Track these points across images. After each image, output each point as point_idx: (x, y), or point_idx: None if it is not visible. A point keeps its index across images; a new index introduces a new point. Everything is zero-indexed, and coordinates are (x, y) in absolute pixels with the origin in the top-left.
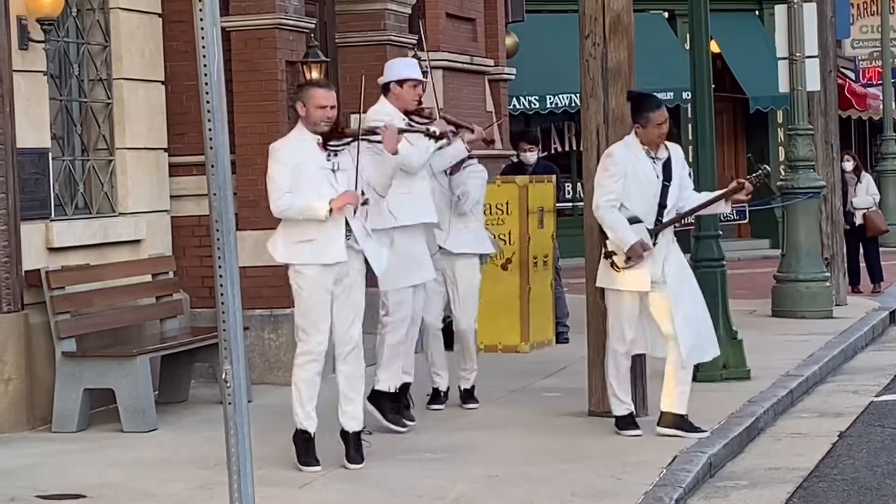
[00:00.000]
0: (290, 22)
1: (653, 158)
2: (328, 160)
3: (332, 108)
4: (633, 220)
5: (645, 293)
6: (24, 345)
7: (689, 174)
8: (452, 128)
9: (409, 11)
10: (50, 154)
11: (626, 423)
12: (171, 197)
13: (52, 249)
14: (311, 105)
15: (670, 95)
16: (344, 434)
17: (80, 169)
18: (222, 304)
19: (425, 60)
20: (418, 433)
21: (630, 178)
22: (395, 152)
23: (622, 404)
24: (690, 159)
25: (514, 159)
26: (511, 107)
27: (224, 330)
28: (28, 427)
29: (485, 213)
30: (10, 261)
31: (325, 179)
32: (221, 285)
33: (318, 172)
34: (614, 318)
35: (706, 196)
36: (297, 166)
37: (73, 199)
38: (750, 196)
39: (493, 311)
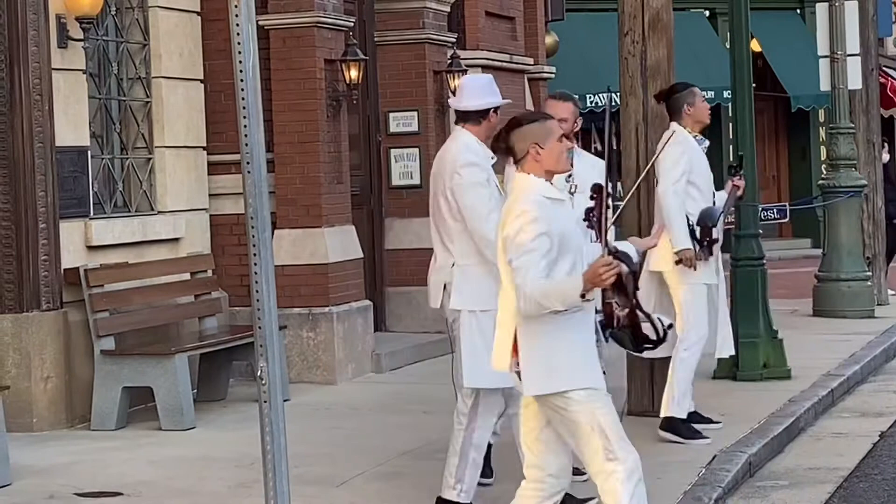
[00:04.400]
0: (329, 20)
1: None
2: None
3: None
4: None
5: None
6: (63, 343)
7: None
8: None
9: (448, 10)
10: (89, 152)
11: (691, 430)
12: (210, 195)
13: (90, 247)
14: None
15: (711, 94)
16: None
17: (118, 167)
18: (258, 301)
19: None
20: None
21: (695, 171)
22: None
23: (683, 408)
24: (731, 158)
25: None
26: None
27: (259, 328)
28: (67, 425)
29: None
30: (49, 259)
31: None
32: (257, 283)
33: None
34: (696, 314)
35: (720, 199)
36: None
37: (111, 197)
38: (742, 194)
39: None
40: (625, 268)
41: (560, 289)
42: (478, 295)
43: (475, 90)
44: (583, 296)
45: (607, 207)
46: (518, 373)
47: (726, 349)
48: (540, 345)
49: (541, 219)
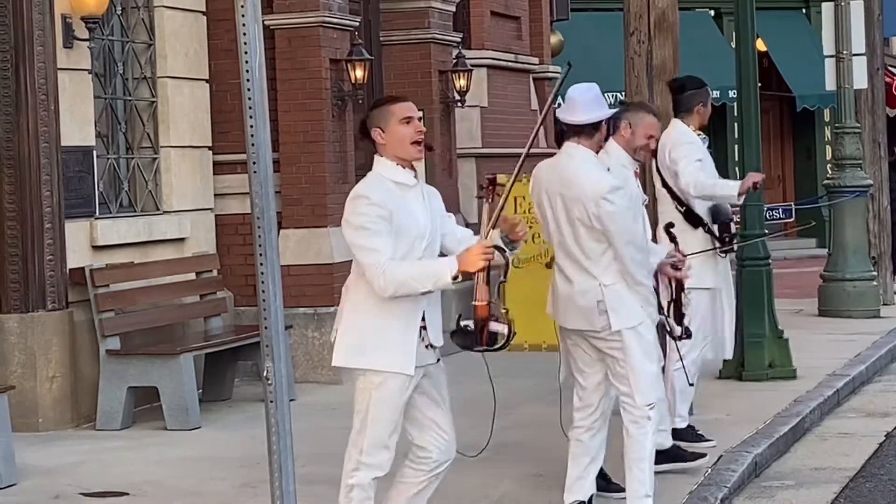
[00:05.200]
0: (335, 20)
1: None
2: None
3: None
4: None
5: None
6: (68, 342)
7: None
8: None
9: (454, 9)
10: (94, 152)
11: (692, 436)
12: (216, 195)
13: (96, 247)
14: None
15: (716, 94)
16: None
17: (124, 167)
18: (264, 301)
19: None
20: (462, 432)
21: (707, 167)
22: None
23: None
24: (736, 158)
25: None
26: (556, 105)
27: (266, 328)
28: (72, 424)
29: (527, 211)
30: (54, 259)
31: None
32: (263, 283)
33: None
34: (695, 319)
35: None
36: None
37: (117, 197)
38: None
39: (538, 311)
40: (500, 259)
41: (430, 269)
42: (631, 311)
43: (588, 103)
44: (455, 278)
45: (500, 197)
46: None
47: (726, 352)
48: (357, 319)
49: (376, 203)
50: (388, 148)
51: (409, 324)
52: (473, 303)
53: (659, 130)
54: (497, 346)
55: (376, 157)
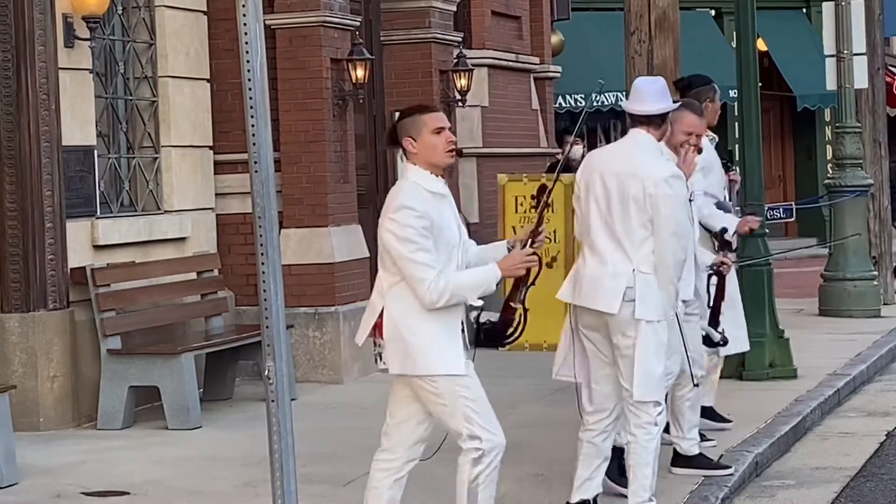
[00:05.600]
0: (336, 20)
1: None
2: None
3: None
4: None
5: None
6: (69, 342)
7: None
8: None
9: (454, 9)
10: (95, 152)
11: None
12: (216, 195)
13: (97, 247)
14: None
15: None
16: None
17: (125, 167)
18: (265, 301)
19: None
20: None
21: (716, 172)
22: None
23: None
24: (737, 157)
25: (559, 157)
26: (557, 105)
27: (267, 327)
28: (73, 424)
29: (528, 211)
30: (55, 258)
31: None
32: (264, 282)
33: None
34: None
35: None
36: None
37: (118, 196)
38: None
39: (539, 309)
40: (536, 266)
41: (478, 280)
42: (657, 305)
43: (655, 94)
44: (497, 284)
45: (547, 206)
46: (378, 353)
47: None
48: (409, 325)
49: (422, 215)
50: (420, 156)
51: (455, 327)
52: (510, 303)
53: (700, 128)
54: (509, 339)
55: (407, 165)
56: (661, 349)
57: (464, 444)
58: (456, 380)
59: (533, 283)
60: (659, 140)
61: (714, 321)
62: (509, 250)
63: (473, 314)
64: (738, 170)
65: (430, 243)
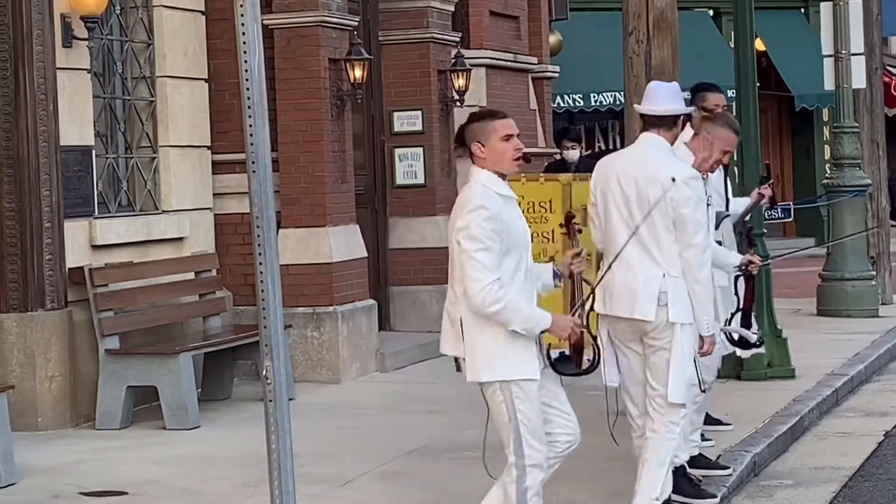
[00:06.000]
0: (334, 19)
1: None
2: None
3: None
4: None
5: None
6: (67, 342)
7: None
8: None
9: (453, 9)
10: (93, 152)
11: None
12: (214, 195)
13: (95, 247)
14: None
15: None
16: None
17: (123, 166)
18: (263, 300)
19: None
20: (461, 432)
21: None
22: None
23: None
24: (735, 157)
25: (557, 157)
26: (555, 105)
27: (265, 327)
28: (71, 424)
29: (528, 210)
30: (53, 258)
31: None
32: (262, 282)
33: None
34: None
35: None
36: None
37: (116, 196)
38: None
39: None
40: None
41: (533, 315)
42: (688, 308)
43: (668, 95)
44: (542, 332)
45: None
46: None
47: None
48: (492, 333)
49: (493, 216)
50: (488, 161)
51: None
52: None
53: (734, 145)
54: (585, 370)
55: (475, 169)
56: (692, 352)
57: (508, 457)
58: (514, 388)
59: (592, 309)
60: (671, 143)
61: (747, 322)
62: (555, 274)
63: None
64: (771, 185)
65: (496, 247)
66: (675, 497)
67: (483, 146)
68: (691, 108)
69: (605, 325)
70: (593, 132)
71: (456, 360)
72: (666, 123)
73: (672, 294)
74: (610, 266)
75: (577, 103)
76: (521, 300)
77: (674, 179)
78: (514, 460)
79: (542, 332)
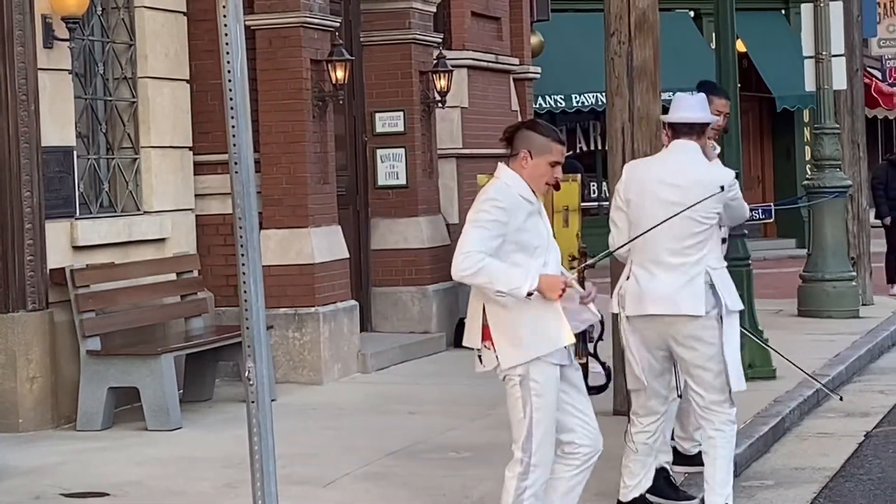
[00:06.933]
0: (315, 20)
1: None
2: None
3: None
4: None
5: None
6: (48, 343)
7: None
8: None
9: (434, 10)
10: (75, 152)
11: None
12: (196, 195)
13: (76, 248)
14: None
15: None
16: None
17: (104, 167)
18: (245, 301)
19: None
20: (444, 433)
21: None
22: None
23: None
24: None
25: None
26: (537, 106)
27: (247, 328)
28: (53, 425)
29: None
30: (34, 259)
31: None
32: (245, 283)
33: None
34: None
35: None
36: None
37: (97, 197)
38: None
39: None
40: (575, 292)
41: (513, 273)
42: (736, 294)
43: (697, 105)
44: (529, 294)
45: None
46: (480, 355)
47: None
48: (506, 320)
49: (504, 208)
50: (526, 172)
51: (551, 305)
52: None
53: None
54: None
55: (507, 170)
56: (738, 338)
57: (514, 452)
58: (533, 385)
59: (601, 338)
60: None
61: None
62: None
63: None
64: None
65: (495, 234)
66: (655, 499)
67: (531, 158)
68: (717, 118)
69: (627, 326)
70: (575, 133)
71: (478, 354)
72: (696, 130)
73: (720, 284)
74: (634, 239)
75: (558, 104)
76: (499, 263)
77: (722, 188)
78: (521, 456)
79: (531, 293)
